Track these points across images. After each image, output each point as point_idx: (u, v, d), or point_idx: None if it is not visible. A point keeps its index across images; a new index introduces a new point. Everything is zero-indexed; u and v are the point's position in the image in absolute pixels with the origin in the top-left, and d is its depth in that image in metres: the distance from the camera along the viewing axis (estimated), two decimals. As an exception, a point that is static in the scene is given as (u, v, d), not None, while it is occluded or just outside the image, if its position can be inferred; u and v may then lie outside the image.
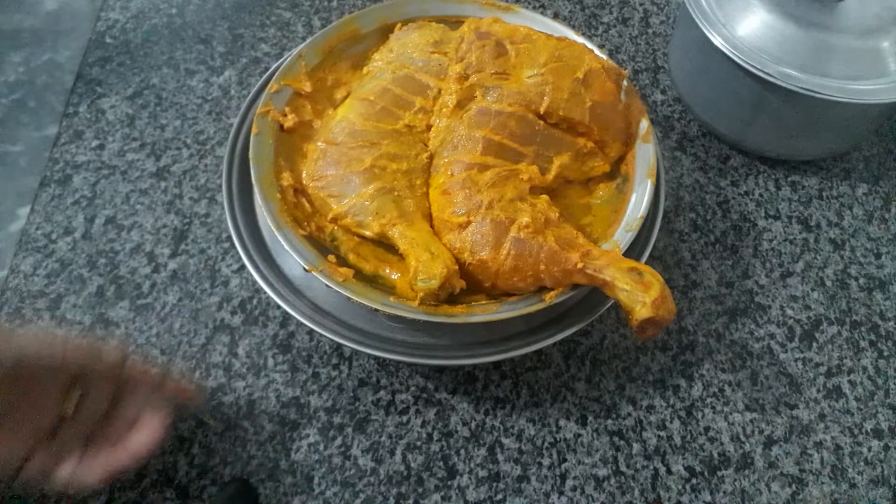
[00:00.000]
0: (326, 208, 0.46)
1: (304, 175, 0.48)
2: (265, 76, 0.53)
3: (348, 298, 0.42)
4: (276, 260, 0.48)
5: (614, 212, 0.49)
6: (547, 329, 0.46)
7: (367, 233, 0.45)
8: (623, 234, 0.47)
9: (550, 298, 0.43)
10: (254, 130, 0.48)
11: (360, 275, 0.44)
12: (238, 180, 0.50)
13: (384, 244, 0.46)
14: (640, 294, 0.40)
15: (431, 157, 0.48)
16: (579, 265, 0.42)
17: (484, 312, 0.43)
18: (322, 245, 0.46)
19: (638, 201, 0.48)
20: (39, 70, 0.68)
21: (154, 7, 0.73)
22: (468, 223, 0.44)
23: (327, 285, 0.42)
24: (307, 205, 0.47)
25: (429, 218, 0.46)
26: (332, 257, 0.44)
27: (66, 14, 0.72)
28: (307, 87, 0.51)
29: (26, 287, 0.53)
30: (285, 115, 0.49)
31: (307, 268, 0.43)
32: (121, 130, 0.63)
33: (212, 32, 0.70)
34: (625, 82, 0.52)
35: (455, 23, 0.56)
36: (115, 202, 0.58)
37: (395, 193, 0.45)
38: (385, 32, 0.55)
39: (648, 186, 0.48)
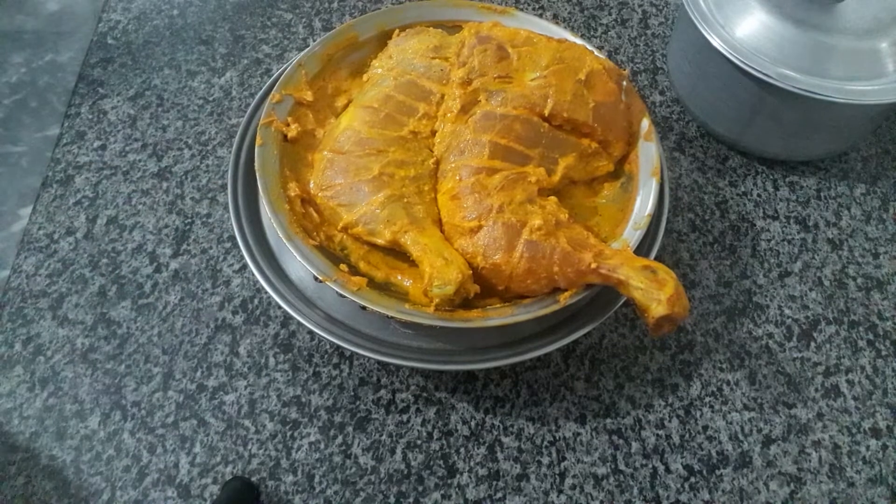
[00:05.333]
0: (336, 218, 0.46)
1: (311, 185, 0.48)
2: (265, 87, 0.54)
3: (363, 307, 0.42)
4: (278, 260, 0.48)
5: (620, 211, 0.50)
6: (559, 330, 0.47)
7: (379, 241, 0.45)
8: (632, 232, 0.47)
9: (565, 299, 0.44)
10: (258, 141, 0.48)
11: (372, 282, 0.45)
12: (243, 185, 0.50)
13: (394, 251, 0.46)
14: (655, 292, 0.41)
15: (437, 163, 0.48)
16: (593, 265, 0.42)
17: (499, 316, 0.43)
18: (332, 254, 0.46)
19: (644, 199, 0.49)
20: (41, 71, 0.68)
21: (155, 8, 0.73)
22: (479, 227, 0.44)
23: (341, 295, 0.43)
24: (315, 214, 0.47)
25: (439, 223, 0.46)
26: (343, 266, 0.45)
27: (67, 15, 0.73)
28: (308, 96, 0.51)
29: (28, 287, 0.54)
30: (288, 125, 0.50)
31: (321, 278, 0.43)
32: (122, 131, 0.63)
33: (213, 34, 0.71)
34: (625, 82, 0.52)
35: (452, 27, 0.56)
36: (116, 202, 0.58)
37: (405, 200, 0.46)
38: (383, 39, 0.55)
39: (654, 184, 0.49)
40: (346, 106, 0.52)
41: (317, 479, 0.47)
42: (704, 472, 0.48)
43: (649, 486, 0.47)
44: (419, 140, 0.49)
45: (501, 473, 0.47)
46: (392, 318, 0.42)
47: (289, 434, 0.48)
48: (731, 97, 0.59)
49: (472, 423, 0.49)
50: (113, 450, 0.47)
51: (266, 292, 0.48)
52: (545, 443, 0.49)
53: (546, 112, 0.48)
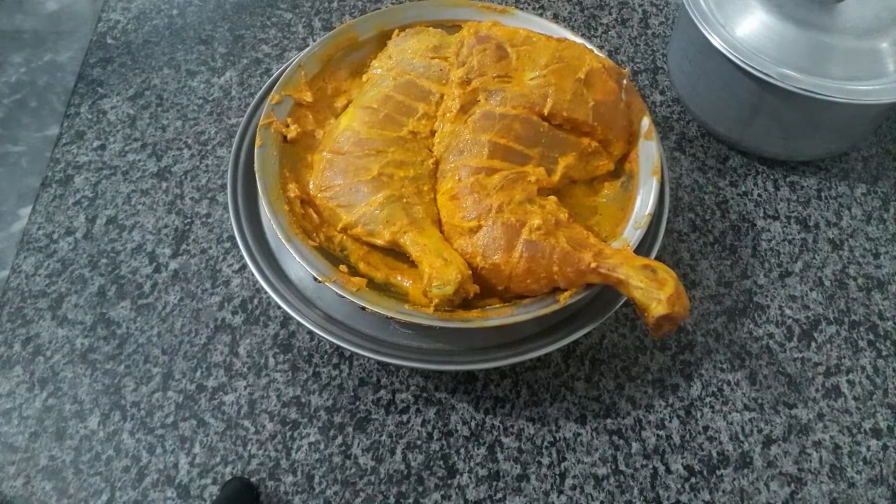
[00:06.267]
0: (336, 218, 0.46)
1: (311, 186, 0.48)
2: (265, 87, 0.54)
3: (363, 308, 0.42)
4: (278, 260, 0.48)
5: (621, 210, 0.49)
6: (559, 330, 0.47)
7: (379, 241, 0.45)
8: (632, 231, 0.47)
9: (565, 299, 0.44)
10: (258, 143, 0.48)
11: (371, 283, 0.44)
12: (243, 185, 0.50)
13: (394, 252, 0.46)
14: (655, 291, 0.40)
15: (437, 163, 0.48)
16: (592, 265, 0.42)
17: (499, 316, 0.43)
18: (332, 255, 0.46)
19: (644, 198, 0.49)
20: (41, 71, 0.68)
21: (155, 8, 0.73)
22: (479, 227, 0.44)
23: (340, 295, 0.43)
24: (315, 215, 0.47)
25: (438, 224, 0.46)
26: (343, 267, 0.45)
27: (67, 15, 0.73)
28: (308, 96, 0.51)
29: (28, 287, 0.54)
30: (288, 126, 0.49)
31: (320, 279, 0.43)
32: (122, 131, 0.63)
33: (213, 33, 0.71)
34: (625, 81, 0.52)
35: (451, 27, 0.56)
36: (116, 202, 0.58)
37: (404, 201, 0.46)
38: (382, 39, 0.55)
39: (654, 183, 0.49)
40: (346, 106, 0.52)
41: (316, 479, 0.47)
42: (705, 472, 0.48)
43: (650, 487, 0.47)
44: (418, 140, 0.49)
45: (501, 474, 0.47)
46: (391, 318, 0.42)
47: (288, 434, 0.48)
48: (731, 97, 0.59)
49: (472, 424, 0.49)
50: (112, 450, 0.47)
51: (265, 292, 0.48)
52: (545, 443, 0.48)
53: (545, 111, 0.48)
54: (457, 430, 0.49)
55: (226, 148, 0.62)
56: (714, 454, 0.49)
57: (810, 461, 0.49)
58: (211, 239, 0.57)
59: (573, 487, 0.47)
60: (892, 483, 0.48)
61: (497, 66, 0.49)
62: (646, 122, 0.51)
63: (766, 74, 0.54)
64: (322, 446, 0.48)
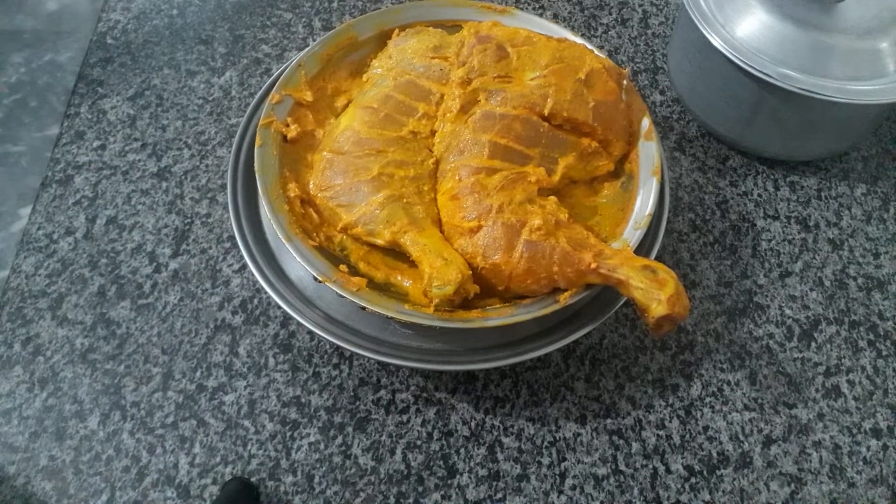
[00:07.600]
0: (336, 218, 0.46)
1: (311, 185, 0.48)
2: (265, 86, 0.54)
3: (363, 308, 0.42)
4: (278, 260, 0.48)
5: (621, 210, 0.49)
6: (559, 330, 0.47)
7: (379, 241, 0.45)
8: (632, 232, 0.47)
9: (565, 299, 0.44)
10: (258, 143, 0.48)
11: (371, 283, 0.45)
12: (243, 185, 0.50)
13: (394, 252, 0.46)
14: (656, 291, 0.41)
15: (437, 163, 0.48)
16: (593, 265, 0.42)
17: (499, 316, 0.43)
18: (332, 255, 0.46)
19: (644, 199, 0.49)
20: (41, 71, 0.68)
21: (155, 8, 0.73)
22: (479, 227, 0.44)
23: (340, 295, 0.43)
24: (315, 215, 0.47)
25: (438, 223, 0.46)
26: (343, 267, 0.45)
27: (67, 15, 0.73)
28: (308, 96, 0.51)
29: (28, 287, 0.54)
30: (288, 126, 0.49)
31: (320, 279, 0.43)
32: (122, 131, 0.63)
33: (213, 33, 0.71)
34: (625, 81, 0.52)
35: (452, 27, 0.56)
36: (116, 202, 0.58)
37: (405, 200, 0.46)
38: (382, 39, 0.55)
39: (654, 184, 0.49)
40: (346, 106, 0.52)
41: (316, 479, 0.47)
42: (705, 472, 0.48)
43: (650, 487, 0.47)
44: (419, 140, 0.49)
45: (501, 474, 0.47)
46: (391, 318, 0.42)
47: (288, 434, 0.48)
48: (731, 97, 0.59)
49: (472, 424, 0.49)
50: (112, 450, 0.47)
51: (265, 292, 0.48)
52: (545, 443, 0.48)
53: (546, 111, 0.48)
54: (457, 430, 0.49)
55: (226, 148, 0.62)
56: (714, 454, 0.49)
57: (810, 461, 0.49)
58: (211, 239, 0.56)
59: (573, 487, 0.47)
60: (892, 483, 0.48)
61: (497, 67, 0.49)
62: (646, 122, 0.51)
63: (766, 74, 0.54)
64: (322, 446, 0.48)
